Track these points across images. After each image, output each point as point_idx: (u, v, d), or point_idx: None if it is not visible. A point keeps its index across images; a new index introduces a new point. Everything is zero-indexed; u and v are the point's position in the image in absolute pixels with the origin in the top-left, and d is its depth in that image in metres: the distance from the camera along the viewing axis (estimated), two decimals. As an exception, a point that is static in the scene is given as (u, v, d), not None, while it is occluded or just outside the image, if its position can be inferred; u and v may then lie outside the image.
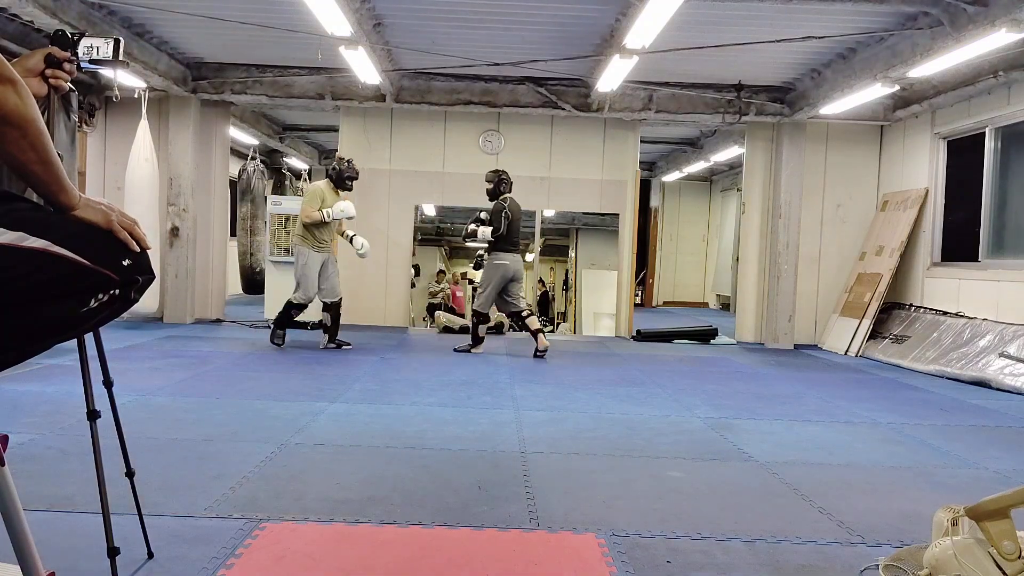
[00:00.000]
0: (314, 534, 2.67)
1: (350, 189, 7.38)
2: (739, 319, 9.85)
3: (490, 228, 7.32)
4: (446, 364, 6.84)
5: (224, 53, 8.55)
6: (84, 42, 1.92)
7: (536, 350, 7.35)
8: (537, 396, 5.45)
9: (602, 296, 12.79)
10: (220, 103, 9.40)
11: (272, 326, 7.46)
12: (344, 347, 7.46)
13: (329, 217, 7.13)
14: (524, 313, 7.51)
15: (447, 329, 9.55)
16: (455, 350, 7.59)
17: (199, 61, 8.81)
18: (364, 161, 9.64)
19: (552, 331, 11.70)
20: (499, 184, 7.44)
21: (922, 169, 8.71)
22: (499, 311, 8.03)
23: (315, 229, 7.17)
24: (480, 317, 7.56)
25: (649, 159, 15.26)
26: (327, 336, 7.48)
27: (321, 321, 9.10)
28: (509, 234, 7.33)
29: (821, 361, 8.15)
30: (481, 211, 7.56)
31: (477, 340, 7.60)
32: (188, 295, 9.14)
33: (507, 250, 7.38)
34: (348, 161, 7.39)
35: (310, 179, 11.46)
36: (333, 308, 7.45)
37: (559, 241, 16.19)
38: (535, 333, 7.39)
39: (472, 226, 7.49)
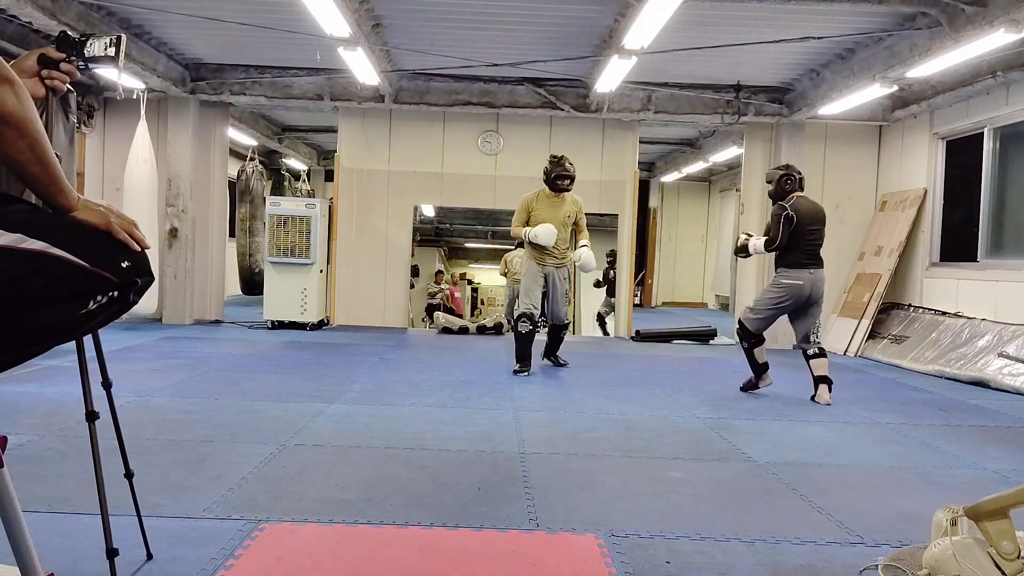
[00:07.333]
0: (313, 535, 2.67)
1: (567, 190, 6.38)
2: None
3: (763, 240, 5.73)
4: (445, 365, 6.84)
5: (223, 54, 8.55)
6: (88, 43, 1.90)
7: (813, 396, 5.61)
8: (536, 397, 5.45)
9: (601, 297, 12.80)
10: (219, 104, 9.39)
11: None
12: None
13: (535, 239, 6.25)
14: (811, 352, 5.62)
15: (446, 330, 9.56)
16: (741, 389, 5.90)
17: (198, 62, 8.81)
18: (363, 162, 9.68)
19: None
20: (781, 182, 5.70)
21: (921, 169, 8.71)
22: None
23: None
24: (753, 341, 5.75)
25: (648, 159, 15.27)
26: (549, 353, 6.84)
27: (321, 322, 9.17)
28: (796, 244, 5.58)
29: (820, 361, 8.13)
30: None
31: (760, 369, 5.78)
32: (187, 296, 9.14)
33: (797, 265, 5.59)
34: (559, 159, 6.38)
35: (308, 180, 11.42)
36: (556, 331, 6.79)
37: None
38: (819, 380, 5.58)
39: (743, 237, 6.02)
